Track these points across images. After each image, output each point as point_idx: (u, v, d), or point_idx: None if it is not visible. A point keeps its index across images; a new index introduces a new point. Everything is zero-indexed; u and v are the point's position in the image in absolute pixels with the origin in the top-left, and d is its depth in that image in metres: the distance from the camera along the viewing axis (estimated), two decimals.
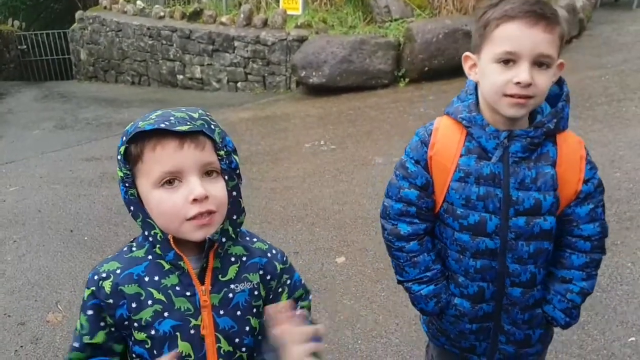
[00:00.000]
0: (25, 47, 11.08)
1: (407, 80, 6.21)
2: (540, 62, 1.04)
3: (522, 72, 1.03)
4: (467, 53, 1.15)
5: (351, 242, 2.92)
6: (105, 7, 8.95)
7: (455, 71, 6.07)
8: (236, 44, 6.97)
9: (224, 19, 7.23)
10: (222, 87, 7.30)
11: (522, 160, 1.11)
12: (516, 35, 1.03)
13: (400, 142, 4.45)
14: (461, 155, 1.14)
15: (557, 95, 1.14)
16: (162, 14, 7.83)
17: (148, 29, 7.77)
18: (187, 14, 7.50)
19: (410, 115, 5.16)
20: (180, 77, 7.61)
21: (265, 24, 7.02)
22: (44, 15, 12.50)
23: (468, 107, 1.15)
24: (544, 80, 1.05)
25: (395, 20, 6.69)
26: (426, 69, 6.08)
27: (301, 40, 6.57)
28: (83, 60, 9.33)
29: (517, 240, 1.13)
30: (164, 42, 7.61)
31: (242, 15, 7.08)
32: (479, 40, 1.10)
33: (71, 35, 9.63)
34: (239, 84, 7.18)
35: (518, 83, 1.03)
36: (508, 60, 1.04)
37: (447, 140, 1.16)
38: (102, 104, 6.91)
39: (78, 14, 9.36)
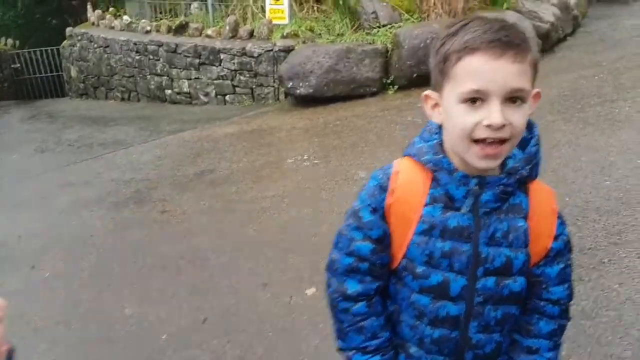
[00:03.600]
0: (18, 65, 11.07)
1: (396, 87, 6.05)
2: (513, 98, 0.88)
3: (493, 113, 0.86)
4: (427, 92, 0.98)
5: (324, 270, 2.76)
6: (93, 23, 8.89)
7: None
8: (222, 56, 6.86)
9: (209, 31, 7.12)
10: (211, 100, 7.18)
11: (493, 211, 0.96)
12: (482, 69, 0.87)
13: (386, 154, 4.31)
14: (425, 204, 0.97)
15: (526, 138, 0.97)
16: (148, 28, 7.74)
17: (135, 44, 7.69)
18: (173, 27, 7.39)
19: (397, 125, 5.01)
20: (168, 91, 7.51)
21: (251, 35, 6.90)
22: (38, 33, 12.49)
23: (433, 148, 0.98)
24: (519, 118, 0.89)
25: (384, 26, 6.54)
26: (415, 75, 5.91)
27: (288, 50, 6.44)
28: (73, 77, 9.27)
29: (484, 304, 0.98)
30: (151, 57, 7.51)
31: (227, 27, 6.96)
32: (440, 76, 0.93)
33: (62, 52, 9.58)
34: (227, 97, 7.06)
35: (489, 125, 0.87)
36: (475, 99, 0.88)
37: (410, 186, 0.99)
38: (88, 122, 6.82)
39: (68, 30, 9.34)
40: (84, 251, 3.19)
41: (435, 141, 0.99)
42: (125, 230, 3.56)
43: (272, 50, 6.54)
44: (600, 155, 3.63)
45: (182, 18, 7.74)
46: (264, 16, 7.12)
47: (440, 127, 1.00)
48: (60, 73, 10.52)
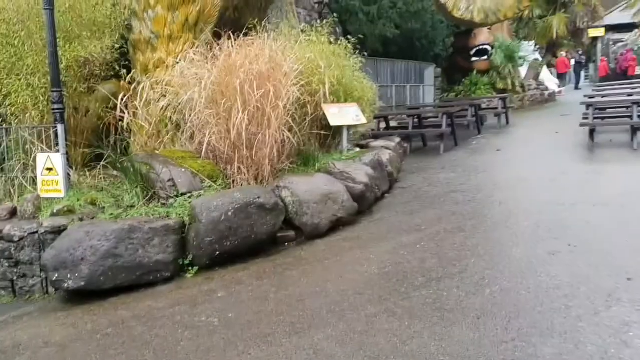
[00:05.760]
0: None
1: (196, 268, 4.93)
2: None
3: None
4: None
5: None
6: None
7: (253, 252, 5.00)
8: None
9: None
10: None
11: None
12: None
13: None
14: None
15: None
16: None
17: None
18: None
19: (186, 330, 3.79)
20: None
21: (13, 213, 5.46)
22: None
23: None
24: None
25: (183, 194, 5.57)
26: (217, 253, 4.90)
27: (58, 231, 5.08)
28: None
29: None
30: None
31: None
32: None
33: None
34: None
35: None
36: None
37: None
38: None
39: None
40: None
41: None
42: None
43: (37, 232, 5.13)
44: None
45: None
46: (36, 189, 5.80)
47: None
48: None
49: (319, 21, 8.48)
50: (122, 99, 6.63)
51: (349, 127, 7.34)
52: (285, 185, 5.48)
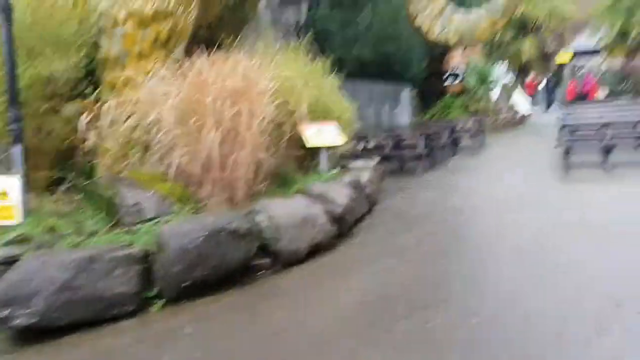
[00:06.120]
0: None
1: (163, 301, 4.55)
2: None
3: None
4: None
5: None
6: None
7: (224, 282, 4.65)
8: None
9: None
10: None
11: None
12: None
13: None
14: None
15: None
16: None
17: None
18: None
19: None
20: None
21: None
22: None
23: None
24: None
25: (150, 220, 5.21)
26: (186, 283, 4.53)
27: (12, 262, 4.65)
28: None
29: None
30: None
31: None
32: None
33: None
34: None
35: None
36: None
37: None
38: None
39: None
40: None
41: None
42: None
43: None
44: None
45: None
46: None
47: None
48: None
49: (296, 41, 8.28)
50: (87, 119, 6.29)
51: (328, 147, 7.10)
52: (260, 208, 5.17)
